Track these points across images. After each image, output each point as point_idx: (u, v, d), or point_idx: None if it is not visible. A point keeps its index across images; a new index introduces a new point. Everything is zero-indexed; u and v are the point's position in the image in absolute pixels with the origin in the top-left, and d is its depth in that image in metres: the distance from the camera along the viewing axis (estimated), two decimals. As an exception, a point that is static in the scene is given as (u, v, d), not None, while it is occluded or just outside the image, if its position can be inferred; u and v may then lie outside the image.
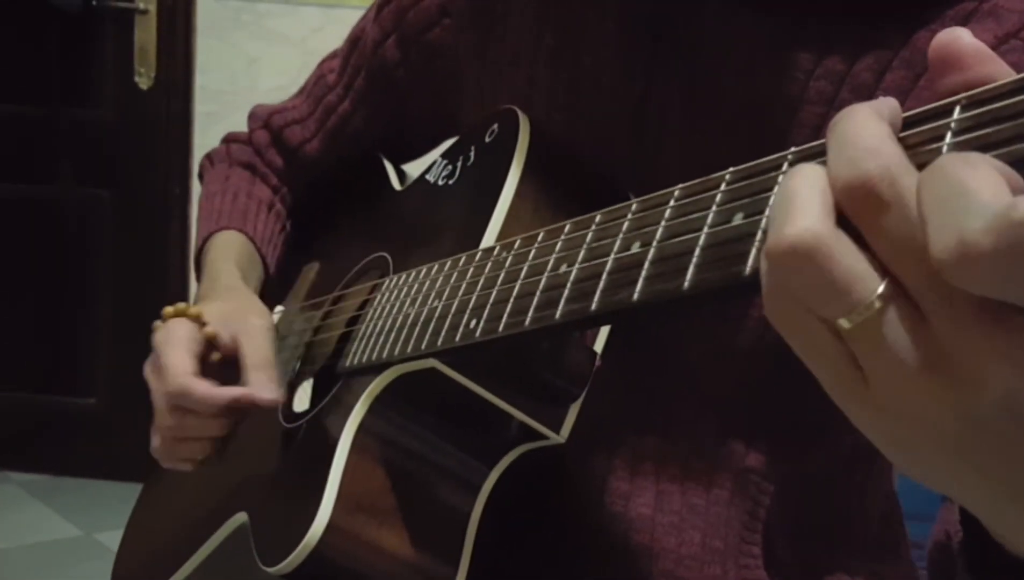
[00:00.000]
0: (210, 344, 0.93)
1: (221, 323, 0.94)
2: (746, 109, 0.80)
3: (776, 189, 0.41)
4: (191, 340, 0.92)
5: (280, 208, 1.18)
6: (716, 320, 0.82)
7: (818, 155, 0.43)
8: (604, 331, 0.80)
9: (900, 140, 0.40)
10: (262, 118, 1.19)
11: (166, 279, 3.49)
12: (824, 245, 0.39)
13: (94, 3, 3.34)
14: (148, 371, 0.94)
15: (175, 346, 0.91)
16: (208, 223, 1.13)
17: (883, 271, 0.39)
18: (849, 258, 0.39)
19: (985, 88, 0.39)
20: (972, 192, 0.35)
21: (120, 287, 3.54)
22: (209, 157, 1.23)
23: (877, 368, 0.40)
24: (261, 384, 0.89)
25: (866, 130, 0.40)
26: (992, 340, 0.38)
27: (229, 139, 1.23)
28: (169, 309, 0.95)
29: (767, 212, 0.45)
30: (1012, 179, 0.36)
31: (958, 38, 0.41)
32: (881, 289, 0.39)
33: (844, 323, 0.40)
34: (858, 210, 0.39)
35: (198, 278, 1.10)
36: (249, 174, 1.18)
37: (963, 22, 0.75)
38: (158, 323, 0.95)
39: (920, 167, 0.38)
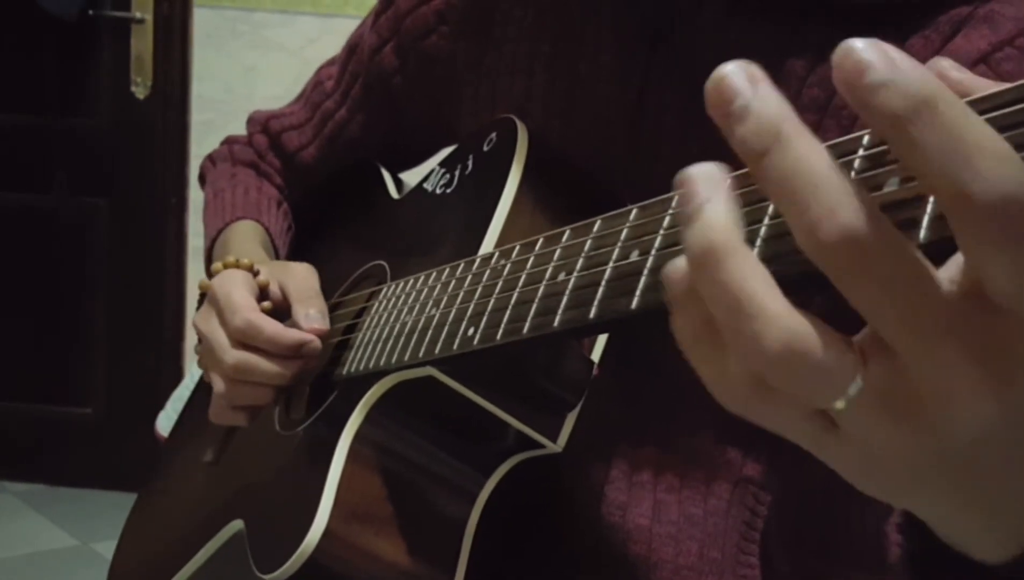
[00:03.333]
0: (262, 294, 0.96)
1: (270, 276, 0.97)
2: None
3: (707, 288, 0.38)
4: (249, 285, 0.94)
5: (286, 207, 1.18)
6: None
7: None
8: (602, 340, 0.80)
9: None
10: (260, 122, 1.19)
11: (163, 288, 3.49)
12: (809, 342, 0.37)
13: (91, 12, 3.34)
14: (200, 318, 0.96)
15: (237, 287, 0.93)
16: (221, 214, 1.14)
17: (854, 349, 0.38)
18: (828, 342, 0.37)
19: (979, 97, 0.38)
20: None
21: (116, 296, 3.54)
22: (211, 157, 1.24)
23: (856, 427, 0.39)
24: (306, 317, 0.92)
25: (831, 182, 0.36)
26: (969, 373, 0.37)
27: (230, 141, 1.23)
28: (219, 263, 0.98)
29: (766, 221, 0.44)
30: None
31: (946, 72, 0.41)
32: (861, 366, 0.38)
33: (840, 405, 0.38)
34: (844, 266, 0.36)
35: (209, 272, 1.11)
36: (255, 173, 1.18)
37: (957, 28, 0.74)
38: (204, 280, 0.98)
39: (908, 180, 0.38)
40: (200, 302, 1.00)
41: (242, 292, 0.93)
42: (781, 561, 0.85)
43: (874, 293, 0.36)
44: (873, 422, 0.39)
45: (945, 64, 0.43)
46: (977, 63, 0.72)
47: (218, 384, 0.93)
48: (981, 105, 0.37)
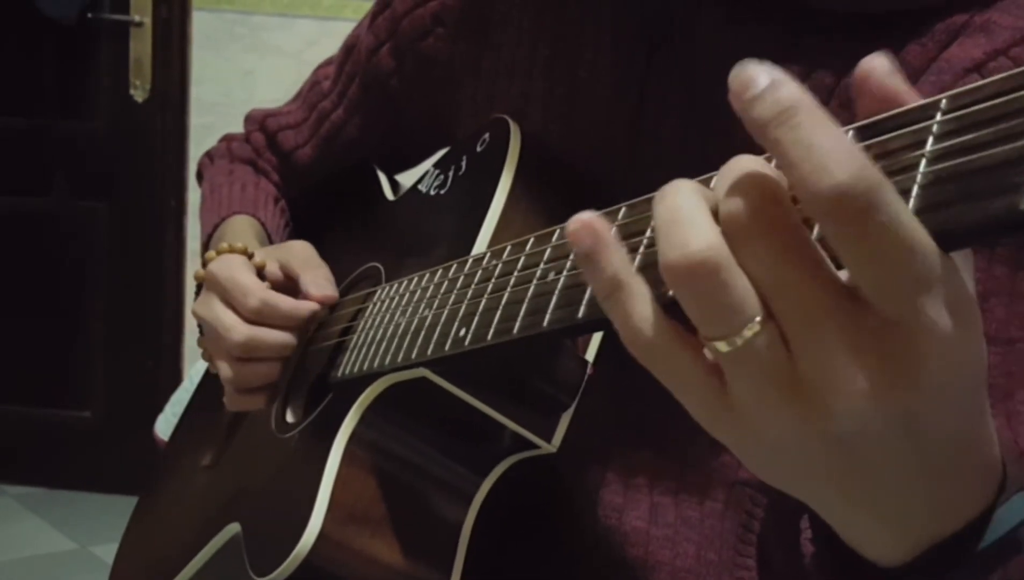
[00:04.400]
0: (259, 275, 0.97)
1: (266, 257, 0.99)
2: (740, 122, 0.80)
3: (656, 207, 0.43)
4: (249, 267, 0.97)
5: (284, 204, 1.18)
6: None
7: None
8: (596, 340, 0.80)
9: (880, 145, 0.40)
10: (258, 121, 1.20)
11: (162, 291, 3.49)
12: (725, 262, 0.40)
13: (89, 15, 3.35)
14: (201, 305, 0.97)
15: (241, 270, 0.96)
16: (218, 209, 1.14)
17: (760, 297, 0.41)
18: (740, 278, 0.40)
19: (966, 89, 0.39)
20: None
21: (115, 300, 3.54)
22: (209, 154, 1.24)
23: (744, 391, 0.42)
24: (316, 285, 0.95)
25: (745, 159, 0.41)
26: (849, 368, 0.40)
27: (228, 138, 1.24)
28: (212, 252, 0.99)
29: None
30: None
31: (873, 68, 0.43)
32: (762, 314, 0.40)
33: (723, 346, 0.41)
34: (743, 234, 0.40)
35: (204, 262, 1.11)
36: (252, 170, 1.19)
37: (954, 36, 0.74)
38: (199, 270, 0.99)
39: (899, 172, 0.39)
40: (197, 293, 1.01)
41: (247, 273, 0.95)
42: (778, 563, 0.85)
43: (768, 265, 0.40)
44: (760, 393, 0.41)
45: (877, 64, 0.43)
46: (971, 72, 0.72)
47: (225, 369, 0.94)
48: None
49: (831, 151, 0.37)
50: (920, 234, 0.38)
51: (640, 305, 0.44)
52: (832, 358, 0.40)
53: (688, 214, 0.41)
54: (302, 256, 0.99)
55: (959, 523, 0.48)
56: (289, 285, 0.98)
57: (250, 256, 0.99)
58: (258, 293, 0.93)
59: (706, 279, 0.40)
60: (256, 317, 0.93)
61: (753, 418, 0.42)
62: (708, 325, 0.41)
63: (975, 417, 0.45)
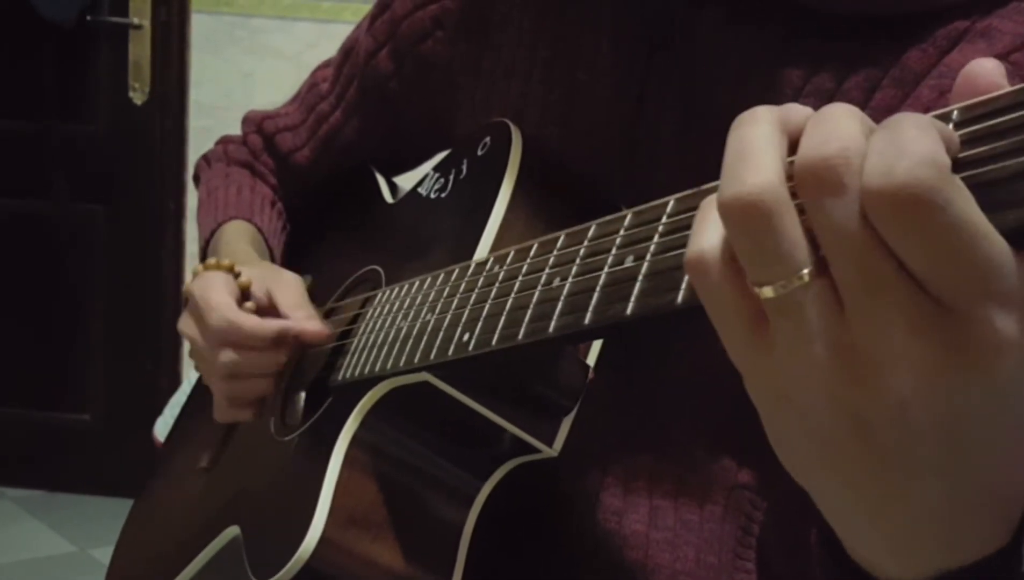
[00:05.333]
0: (244, 295, 0.96)
1: (254, 278, 0.98)
2: None
3: (729, 135, 0.42)
4: (229, 286, 0.96)
5: (281, 207, 1.18)
6: (710, 336, 0.81)
7: None
8: (598, 344, 0.80)
9: None
10: (255, 122, 1.20)
11: (161, 294, 3.49)
12: (782, 205, 0.39)
13: (88, 18, 3.34)
14: (183, 323, 0.98)
15: (215, 289, 0.95)
16: (215, 214, 1.14)
17: (816, 249, 0.40)
18: (796, 225, 0.39)
19: (979, 101, 0.38)
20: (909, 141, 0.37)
21: (114, 303, 3.54)
22: (205, 157, 1.24)
23: (786, 344, 0.41)
24: (302, 320, 0.93)
25: (847, 119, 0.39)
26: (903, 345, 0.38)
27: (225, 141, 1.23)
28: (199, 266, 0.99)
29: None
30: (950, 140, 0.38)
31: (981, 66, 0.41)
32: (811, 266, 0.39)
33: (768, 292, 0.40)
34: (812, 185, 0.39)
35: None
36: (249, 173, 1.19)
37: (955, 42, 0.74)
38: (186, 285, 0.99)
39: None
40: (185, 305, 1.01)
41: (219, 293, 0.94)
42: (778, 566, 0.85)
43: (834, 221, 0.38)
44: (802, 349, 0.40)
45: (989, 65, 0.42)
46: None
47: (214, 384, 0.94)
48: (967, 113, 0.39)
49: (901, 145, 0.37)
50: (992, 234, 0.37)
51: (711, 226, 0.42)
52: (888, 329, 0.38)
53: (754, 148, 0.40)
54: (292, 291, 0.97)
55: (966, 559, 0.45)
56: (272, 309, 0.97)
57: (237, 274, 0.98)
58: (220, 312, 0.92)
59: (756, 221, 0.39)
60: (221, 337, 0.92)
61: (790, 374, 0.41)
62: (754, 268, 0.40)
63: None
